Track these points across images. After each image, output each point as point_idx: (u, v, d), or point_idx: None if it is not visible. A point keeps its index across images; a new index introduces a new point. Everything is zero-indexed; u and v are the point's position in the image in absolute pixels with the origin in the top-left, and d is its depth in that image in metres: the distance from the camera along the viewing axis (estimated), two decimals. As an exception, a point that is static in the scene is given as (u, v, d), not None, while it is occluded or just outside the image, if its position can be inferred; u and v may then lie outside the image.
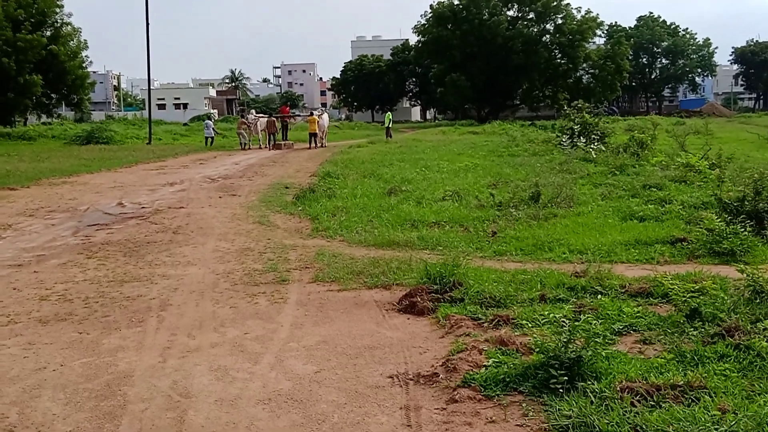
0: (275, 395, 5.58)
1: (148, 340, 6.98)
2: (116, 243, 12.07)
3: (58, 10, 47.11)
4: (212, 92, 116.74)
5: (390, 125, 49.55)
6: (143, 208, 16.37)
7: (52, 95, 48.61)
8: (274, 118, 42.40)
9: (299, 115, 52.05)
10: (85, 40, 49.23)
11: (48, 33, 46.16)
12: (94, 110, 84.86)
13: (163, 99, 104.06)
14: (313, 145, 39.27)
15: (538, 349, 5.84)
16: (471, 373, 5.69)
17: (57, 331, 7.28)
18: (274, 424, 5.10)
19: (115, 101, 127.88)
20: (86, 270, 10.06)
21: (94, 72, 74.08)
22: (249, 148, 39.17)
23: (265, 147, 39.91)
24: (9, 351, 6.70)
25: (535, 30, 74.51)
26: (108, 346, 6.81)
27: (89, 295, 8.65)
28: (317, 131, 39.79)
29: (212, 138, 43.29)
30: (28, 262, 10.71)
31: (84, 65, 49.23)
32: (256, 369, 6.15)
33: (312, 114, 43.89)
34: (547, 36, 74.77)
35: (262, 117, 43.10)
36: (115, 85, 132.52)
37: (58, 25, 47.47)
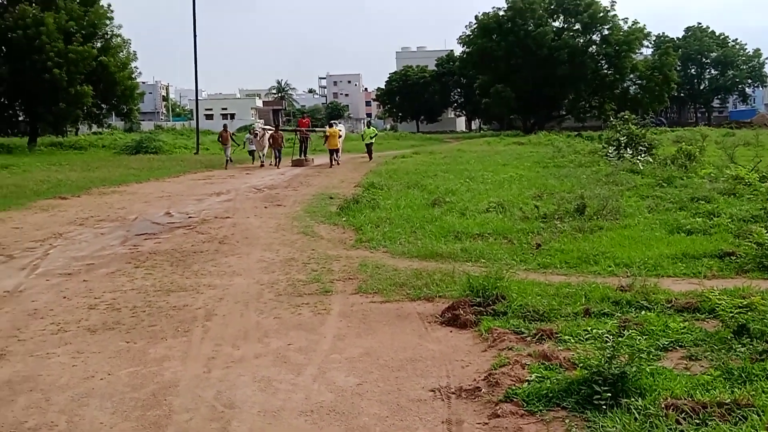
0: (318, 407, 5.60)
1: (194, 350, 7.07)
2: (164, 252, 12.25)
3: (108, 22, 47.83)
4: (259, 103, 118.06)
5: (371, 142, 38.28)
6: (190, 217, 16.59)
7: (103, 105, 49.31)
8: (281, 132, 36.62)
9: (320, 129, 44.42)
10: (134, 51, 49.91)
11: (98, 44, 46.87)
12: (143, 120, 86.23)
13: (211, 109, 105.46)
14: (334, 162, 34.06)
15: (581, 365, 5.80)
16: (513, 387, 5.66)
17: (105, 340, 7.41)
18: (316, 436, 5.13)
19: (164, 111, 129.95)
20: (134, 279, 10.22)
21: (143, 82, 75.29)
22: (261, 164, 34.82)
23: (269, 164, 34.60)
24: (59, 359, 6.83)
25: (582, 41, 73.81)
26: (154, 355, 6.91)
27: (137, 305, 8.79)
28: (338, 146, 34.88)
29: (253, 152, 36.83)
30: (77, 271, 10.92)
31: (133, 76, 49.88)
32: (299, 380, 6.19)
33: (332, 125, 37.29)
34: (594, 47, 74.01)
35: (269, 129, 37.49)
36: (163, 96, 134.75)
37: (108, 36, 48.19)
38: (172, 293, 9.34)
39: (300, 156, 36.54)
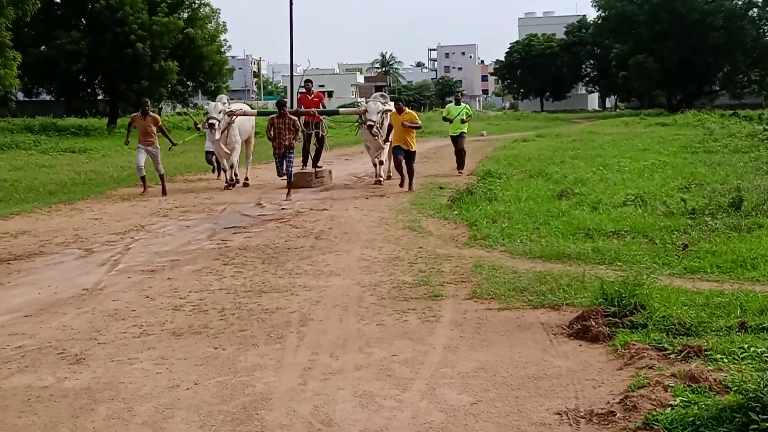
0: (426, 428, 5.64)
1: (288, 358, 7.21)
2: (254, 248, 12.53)
3: (195, -11, 48.89)
4: (360, 78, 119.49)
5: (461, 132, 24.06)
6: (283, 209, 16.93)
7: (188, 83, 50.19)
8: (293, 118, 20.05)
9: (348, 111, 29.72)
10: (223, 22, 50.61)
11: (185, 15, 47.80)
12: (232, 99, 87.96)
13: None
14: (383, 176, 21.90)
15: (735, 388, 5.64)
16: (654, 413, 5.56)
17: (191, 345, 7.65)
18: (424, 461, 5.17)
19: (255, 89, 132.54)
20: (222, 278, 10.50)
21: (233, 57, 77.00)
22: (229, 184, 21.63)
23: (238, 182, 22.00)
24: (141, 366, 7.09)
25: (740, 3, 71.55)
26: (245, 363, 7.09)
27: (225, 306, 9.03)
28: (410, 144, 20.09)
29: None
30: (161, 268, 11.29)
31: (222, 50, 50.69)
32: (405, 397, 6.24)
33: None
34: (755, 10, 71.64)
35: (242, 113, 22.91)
36: (254, 72, 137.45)
37: (196, 6, 49.09)
38: (264, 294, 9.55)
39: (304, 164, 22.85)
